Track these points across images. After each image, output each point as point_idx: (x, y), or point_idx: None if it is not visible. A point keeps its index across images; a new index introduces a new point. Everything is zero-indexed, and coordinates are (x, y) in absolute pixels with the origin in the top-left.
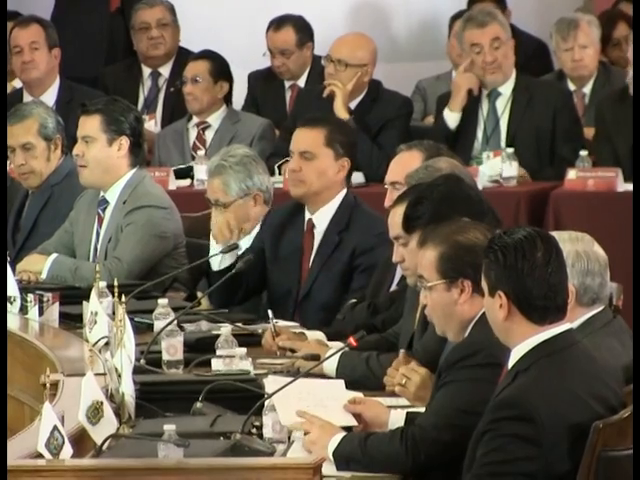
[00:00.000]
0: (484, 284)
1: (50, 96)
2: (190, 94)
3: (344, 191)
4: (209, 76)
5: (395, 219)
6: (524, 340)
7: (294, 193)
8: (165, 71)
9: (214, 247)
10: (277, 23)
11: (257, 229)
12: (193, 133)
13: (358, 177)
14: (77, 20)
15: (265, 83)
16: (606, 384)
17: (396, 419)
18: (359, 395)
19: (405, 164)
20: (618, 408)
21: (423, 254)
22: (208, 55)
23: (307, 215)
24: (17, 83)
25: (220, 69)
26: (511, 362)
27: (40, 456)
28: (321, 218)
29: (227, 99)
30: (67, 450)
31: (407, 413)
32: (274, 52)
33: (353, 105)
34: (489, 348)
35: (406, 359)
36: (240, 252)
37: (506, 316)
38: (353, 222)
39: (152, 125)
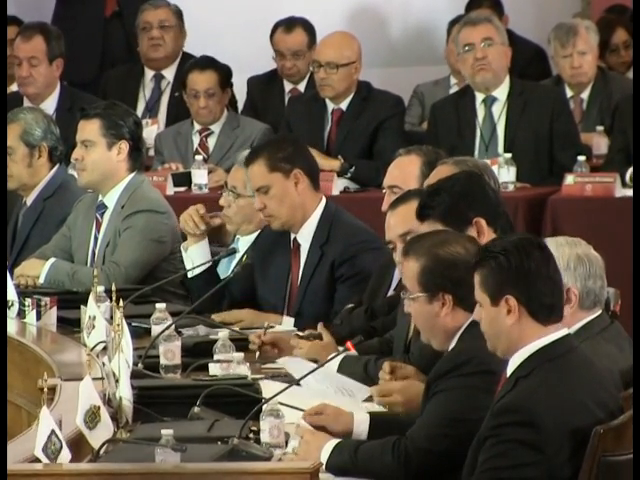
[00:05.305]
0: (481, 297)
1: (50, 104)
2: (205, 107)
3: (322, 203)
4: (219, 87)
5: (391, 223)
6: (527, 344)
7: (274, 228)
8: (169, 74)
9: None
10: (286, 25)
11: (255, 235)
12: (196, 140)
13: (347, 182)
14: (74, 25)
15: (265, 88)
16: (605, 388)
17: (361, 420)
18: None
19: (403, 168)
20: (617, 413)
21: (406, 265)
22: (213, 65)
23: (292, 235)
24: (16, 87)
25: (226, 78)
26: (510, 369)
27: (37, 460)
28: (304, 236)
29: (229, 103)
30: (65, 455)
31: (370, 415)
32: (285, 54)
33: (344, 105)
34: (479, 356)
35: (392, 366)
36: (239, 255)
37: (516, 320)
38: (332, 234)
39: (155, 130)
